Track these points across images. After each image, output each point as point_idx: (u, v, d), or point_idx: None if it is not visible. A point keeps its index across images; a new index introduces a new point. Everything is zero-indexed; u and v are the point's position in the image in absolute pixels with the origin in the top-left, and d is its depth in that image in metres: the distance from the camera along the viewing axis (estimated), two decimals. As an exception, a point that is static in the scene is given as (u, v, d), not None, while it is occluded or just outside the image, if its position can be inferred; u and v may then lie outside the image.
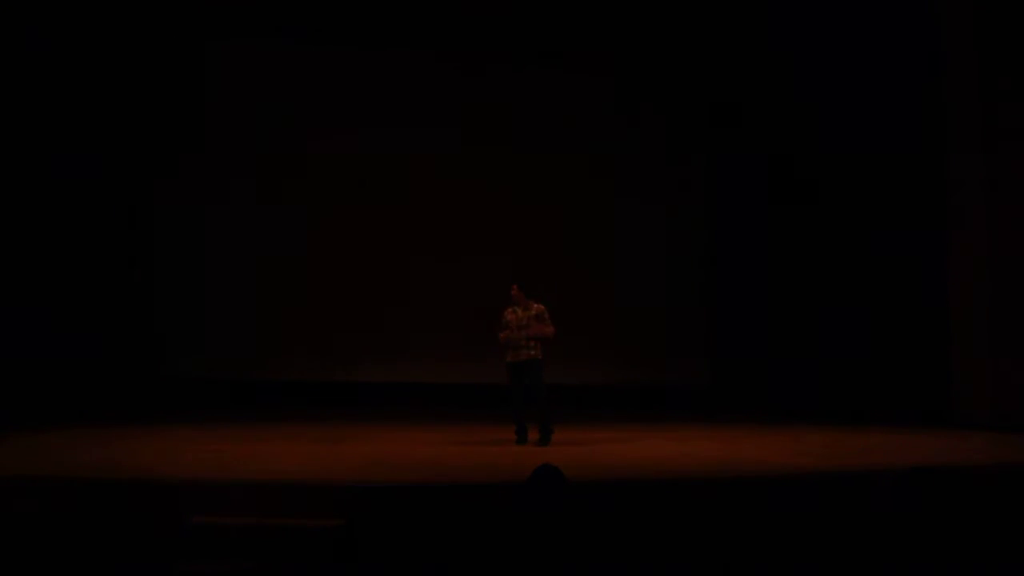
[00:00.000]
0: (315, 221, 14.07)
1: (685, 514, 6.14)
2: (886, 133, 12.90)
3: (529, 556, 4.77)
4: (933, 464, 6.09)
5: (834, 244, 13.69)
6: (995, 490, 6.94)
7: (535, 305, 9.55)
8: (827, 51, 13.66)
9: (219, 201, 13.91)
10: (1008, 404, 11.30)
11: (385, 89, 14.36)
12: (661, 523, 5.86)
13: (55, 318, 12.40)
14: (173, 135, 13.72)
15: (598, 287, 14.29)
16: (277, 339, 13.73)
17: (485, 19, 13.96)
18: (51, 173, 12.56)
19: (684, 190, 15.07)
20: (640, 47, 14.68)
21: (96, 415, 11.35)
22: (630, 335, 14.36)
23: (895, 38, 12.83)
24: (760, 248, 14.50)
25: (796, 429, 11.29)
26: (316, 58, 14.25)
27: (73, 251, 12.83)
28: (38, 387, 11.76)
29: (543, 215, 14.51)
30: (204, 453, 8.29)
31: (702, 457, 8.69)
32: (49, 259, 12.58)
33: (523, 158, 14.47)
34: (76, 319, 12.61)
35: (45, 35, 12.50)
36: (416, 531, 5.47)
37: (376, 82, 14.39)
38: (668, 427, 11.50)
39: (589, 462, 8.08)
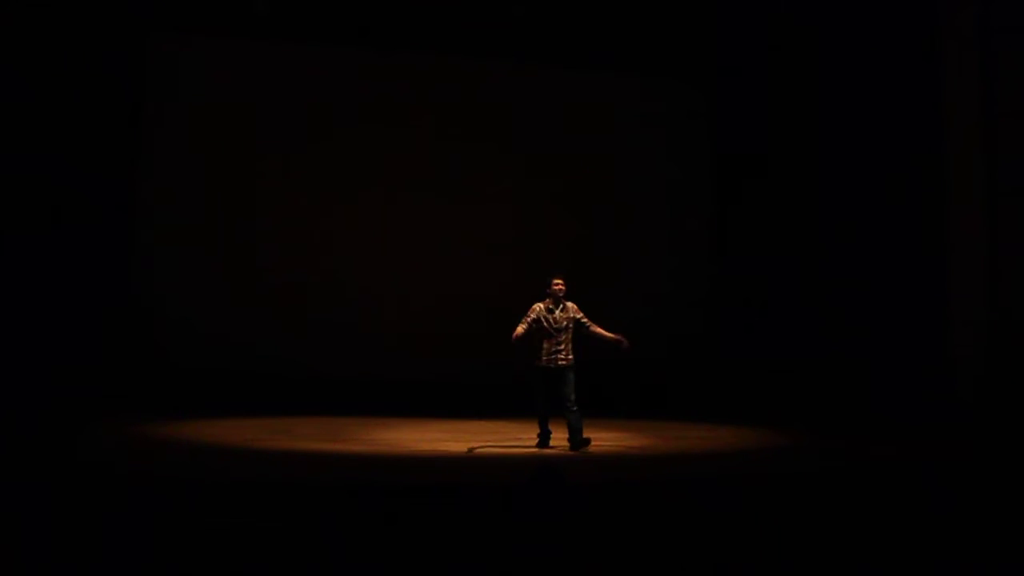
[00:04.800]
0: (311, 218, 14.03)
1: (684, 514, 6.15)
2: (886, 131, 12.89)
3: (529, 556, 4.78)
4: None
5: (834, 244, 13.68)
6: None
7: (570, 304, 9.08)
8: (828, 44, 13.62)
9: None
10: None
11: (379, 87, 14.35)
12: (660, 523, 5.87)
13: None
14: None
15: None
16: (275, 335, 13.68)
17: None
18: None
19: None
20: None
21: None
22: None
23: (896, 35, 12.81)
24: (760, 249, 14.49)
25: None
26: (306, 57, 14.21)
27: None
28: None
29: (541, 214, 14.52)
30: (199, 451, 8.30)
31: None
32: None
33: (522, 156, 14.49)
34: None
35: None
36: (414, 531, 5.48)
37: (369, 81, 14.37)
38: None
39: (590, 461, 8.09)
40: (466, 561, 4.86)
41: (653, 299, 14.40)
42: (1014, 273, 11.53)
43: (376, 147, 14.20)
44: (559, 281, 9.04)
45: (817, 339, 13.45)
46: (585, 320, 9.12)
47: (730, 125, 14.96)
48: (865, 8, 13.05)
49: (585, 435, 8.96)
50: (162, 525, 5.45)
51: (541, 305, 9.03)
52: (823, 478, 7.69)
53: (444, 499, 6.31)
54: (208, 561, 4.84)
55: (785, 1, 13.70)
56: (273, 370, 13.33)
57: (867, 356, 12.85)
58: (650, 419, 12.12)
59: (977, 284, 11.76)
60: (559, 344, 8.94)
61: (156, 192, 13.70)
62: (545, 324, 8.95)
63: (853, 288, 13.29)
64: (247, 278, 13.78)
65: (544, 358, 8.95)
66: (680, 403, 13.63)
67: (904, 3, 12.66)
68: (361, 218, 14.14)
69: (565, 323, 8.98)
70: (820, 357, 13.29)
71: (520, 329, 8.87)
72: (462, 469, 7.98)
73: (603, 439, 9.72)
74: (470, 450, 9.05)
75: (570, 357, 8.99)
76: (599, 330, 9.11)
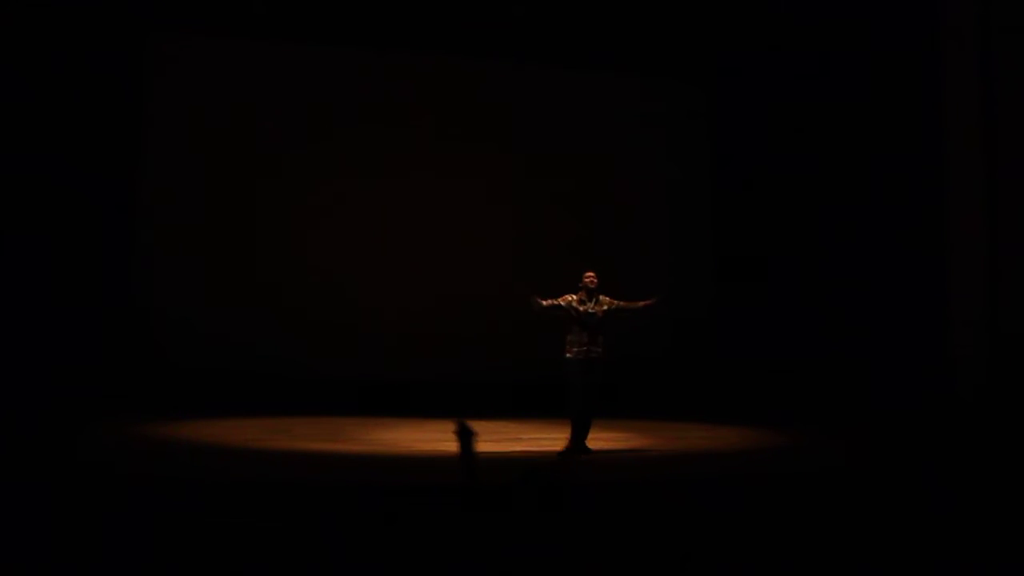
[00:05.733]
0: (311, 217, 14.02)
1: (685, 514, 6.15)
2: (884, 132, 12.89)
3: (529, 556, 4.78)
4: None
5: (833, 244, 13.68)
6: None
7: (603, 298, 8.85)
8: (828, 44, 13.62)
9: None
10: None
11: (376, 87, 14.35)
12: (660, 523, 5.86)
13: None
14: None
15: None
16: (275, 335, 13.66)
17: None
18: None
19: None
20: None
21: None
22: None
23: (896, 35, 12.81)
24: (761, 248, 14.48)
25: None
26: (308, 57, 14.21)
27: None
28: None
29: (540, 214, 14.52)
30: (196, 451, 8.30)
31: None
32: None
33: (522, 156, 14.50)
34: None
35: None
36: (414, 531, 5.48)
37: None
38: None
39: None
40: (466, 561, 4.85)
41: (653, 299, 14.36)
42: (1014, 273, 11.52)
43: (376, 147, 14.20)
44: (591, 274, 8.89)
45: (817, 339, 13.44)
46: (620, 304, 8.91)
47: (730, 125, 14.96)
48: (865, 8, 13.05)
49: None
50: (162, 525, 5.45)
51: (573, 297, 8.85)
52: (823, 478, 7.68)
53: (444, 499, 6.30)
54: (208, 561, 4.84)
55: (785, 1, 13.70)
56: (273, 370, 13.31)
57: (867, 356, 12.84)
58: (651, 419, 12.11)
59: (977, 284, 11.73)
60: (593, 337, 8.76)
61: (156, 192, 13.68)
62: (575, 315, 8.77)
63: (853, 288, 13.28)
64: (247, 278, 13.76)
65: (577, 350, 8.76)
66: (681, 403, 13.61)
67: (904, 3, 12.66)
68: (361, 218, 14.13)
69: (599, 316, 8.78)
70: (820, 357, 13.27)
71: (544, 301, 8.77)
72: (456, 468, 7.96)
73: (604, 439, 9.72)
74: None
75: (602, 351, 8.81)
76: (637, 304, 8.95)
